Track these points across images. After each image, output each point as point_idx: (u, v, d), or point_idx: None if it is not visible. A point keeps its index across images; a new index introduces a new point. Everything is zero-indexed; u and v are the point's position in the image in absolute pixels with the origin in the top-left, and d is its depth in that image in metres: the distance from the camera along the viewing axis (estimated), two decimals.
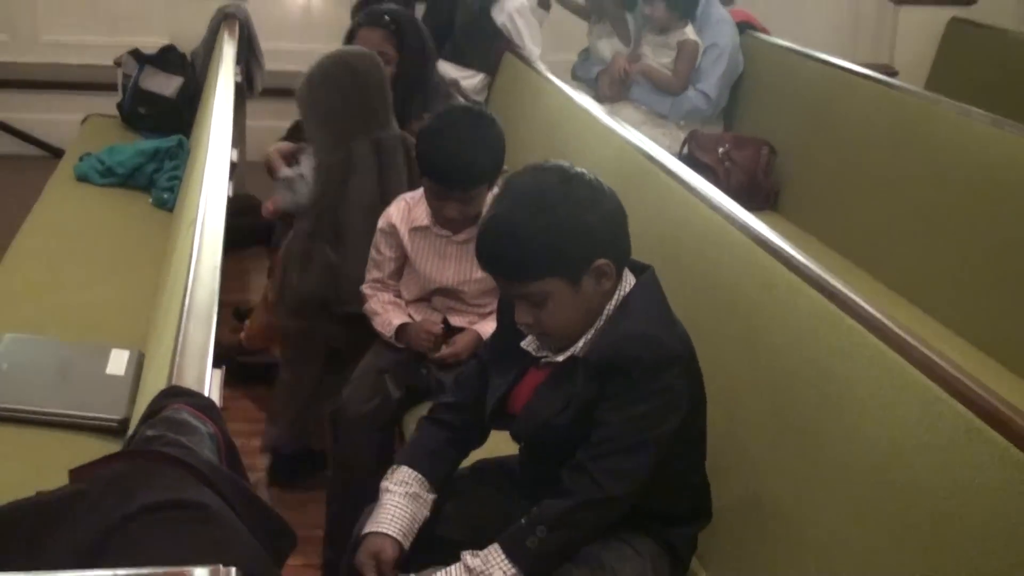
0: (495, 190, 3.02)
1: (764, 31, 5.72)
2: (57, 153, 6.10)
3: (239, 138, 4.34)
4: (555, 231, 2.00)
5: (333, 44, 6.36)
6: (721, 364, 2.51)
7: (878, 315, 2.15)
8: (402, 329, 3.03)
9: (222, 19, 5.51)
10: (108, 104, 5.79)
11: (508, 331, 2.20)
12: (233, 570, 1.09)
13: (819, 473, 2.14)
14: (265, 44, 5.81)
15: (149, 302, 3.38)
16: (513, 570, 2.01)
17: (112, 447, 2.54)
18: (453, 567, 2.05)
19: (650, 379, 2.01)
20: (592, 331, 2.10)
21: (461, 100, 4.53)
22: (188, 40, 5.77)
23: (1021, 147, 3.69)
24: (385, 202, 3.24)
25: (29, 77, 6.77)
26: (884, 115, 4.43)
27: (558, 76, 4.89)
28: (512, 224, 2.03)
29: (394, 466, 2.25)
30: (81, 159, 4.80)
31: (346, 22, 6.80)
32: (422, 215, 3.06)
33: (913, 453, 1.90)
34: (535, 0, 5.35)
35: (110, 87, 5.84)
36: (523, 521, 2.04)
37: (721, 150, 4.95)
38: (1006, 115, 4.09)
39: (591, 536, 2.09)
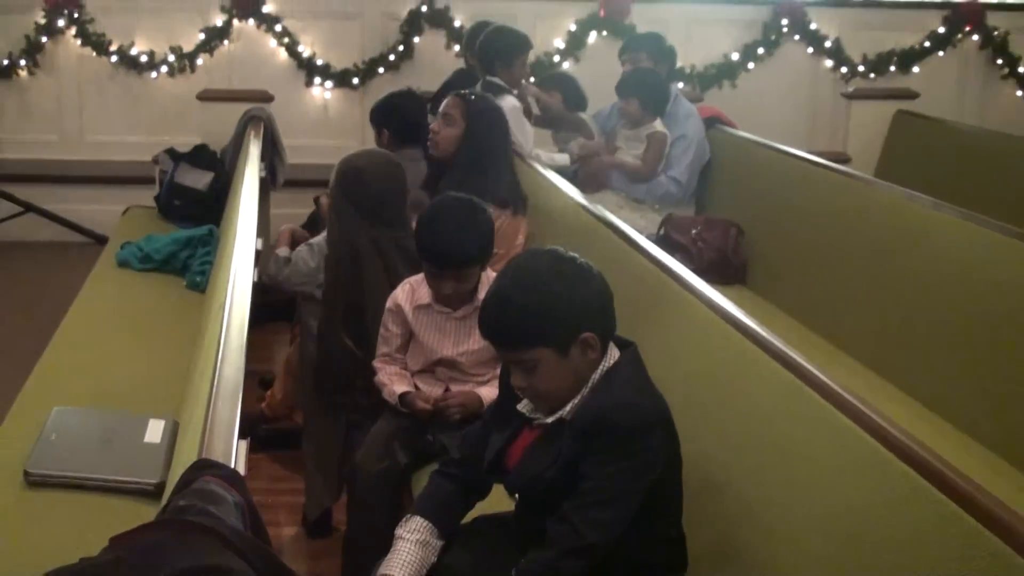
0: (487, 271, 3.06)
1: (731, 125, 5.76)
2: (101, 240, 6.13)
3: (263, 227, 4.37)
4: (546, 306, 2.06)
5: (347, 140, 6.48)
6: (694, 428, 2.51)
7: (832, 384, 2.17)
8: (404, 397, 3.05)
9: (248, 121, 5.57)
10: (146, 197, 5.82)
11: (508, 395, 2.24)
12: None
13: (783, 527, 2.14)
14: (287, 140, 5.88)
15: (183, 376, 3.38)
16: None
17: (149, 509, 2.53)
18: None
19: (629, 441, 2.05)
20: (579, 397, 2.14)
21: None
22: (218, 139, 5.82)
23: (959, 227, 3.72)
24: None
25: (76, 173, 6.86)
26: (838, 199, 4.45)
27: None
28: (509, 299, 2.09)
29: (407, 516, 2.29)
30: (122, 247, 4.81)
31: (359, 120, 6.95)
32: (424, 295, 3.09)
33: (865, 510, 1.91)
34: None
35: (148, 181, 5.89)
36: (513, 572, 2.06)
37: (694, 231, 4.97)
38: (945, 196, 4.13)
39: None
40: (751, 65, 7.38)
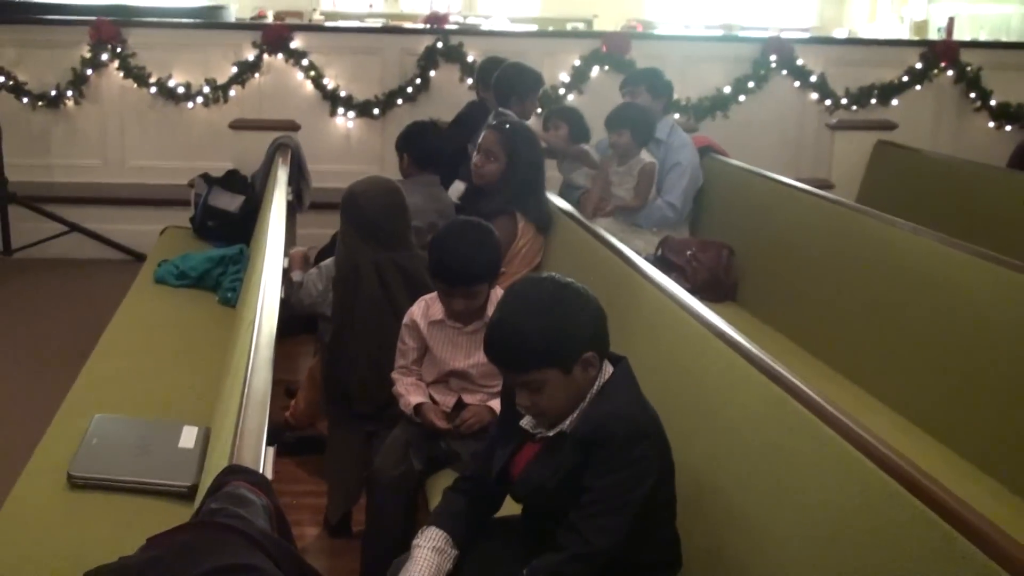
0: (497, 288, 3.07)
1: (723, 153, 5.77)
2: (140, 258, 6.15)
3: (290, 247, 4.38)
4: (550, 331, 2.07)
5: (368, 166, 6.50)
6: (687, 436, 2.52)
7: (816, 397, 2.17)
8: (418, 408, 3.05)
9: (277, 148, 5.58)
10: (182, 218, 5.85)
11: (510, 412, 2.24)
12: None
13: (769, 529, 2.14)
14: (312, 166, 5.89)
15: (215, 385, 3.39)
16: None
17: (183, 509, 2.54)
18: None
19: (625, 451, 2.05)
20: (577, 411, 2.14)
21: None
22: (249, 165, 5.84)
23: (936, 250, 3.72)
24: (396, 312, 3.29)
25: (118, 195, 6.88)
26: (823, 223, 4.46)
27: (553, 189, 4.95)
28: (514, 325, 2.09)
29: (423, 527, 2.29)
30: (159, 265, 4.83)
31: (379, 147, 6.96)
32: (438, 311, 3.10)
33: (845, 514, 1.91)
34: None
35: (184, 204, 5.91)
36: (524, 573, 2.06)
37: (689, 252, 4.97)
38: (922, 221, 4.13)
39: None
40: (742, 98, 7.38)
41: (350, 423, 3.44)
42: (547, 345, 2.07)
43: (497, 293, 3.07)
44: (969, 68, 7.46)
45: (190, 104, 7.02)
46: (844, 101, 7.40)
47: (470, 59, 7.02)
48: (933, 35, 10.61)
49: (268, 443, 2.00)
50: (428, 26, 7.42)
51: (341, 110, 7.11)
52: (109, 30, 6.88)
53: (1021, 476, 3.04)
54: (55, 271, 6.40)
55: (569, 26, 11.35)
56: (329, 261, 3.72)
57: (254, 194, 5.54)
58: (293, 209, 5.42)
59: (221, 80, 7.00)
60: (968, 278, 3.49)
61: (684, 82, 6.47)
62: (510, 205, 4.09)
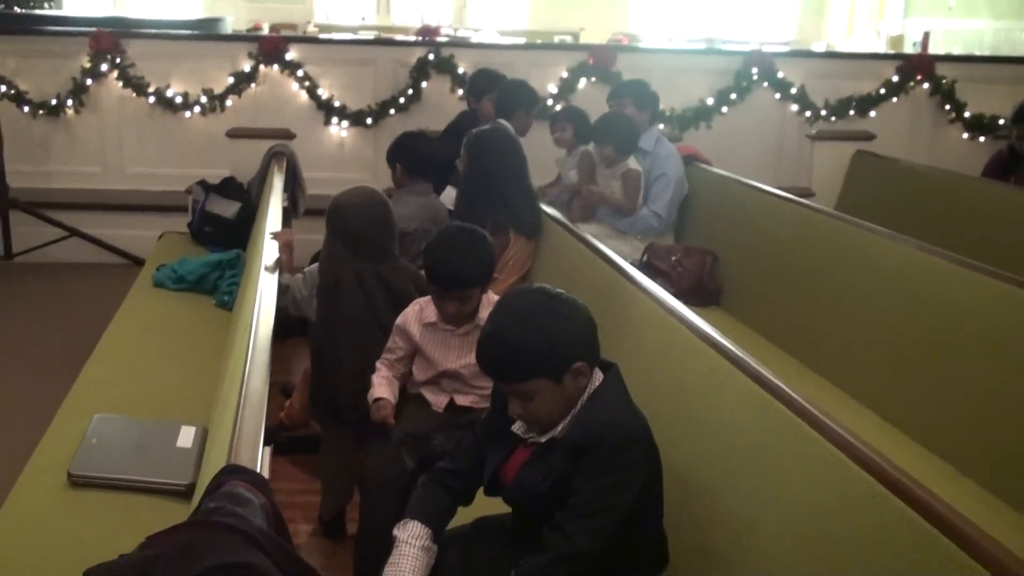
0: (489, 293, 3.06)
1: (707, 162, 5.76)
2: (138, 262, 6.13)
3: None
4: (542, 342, 2.05)
5: (361, 173, 6.50)
6: (673, 438, 2.51)
7: (798, 398, 2.17)
8: (376, 401, 3.04)
9: (272, 156, 5.56)
10: (180, 223, 5.83)
11: (501, 417, 2.23)
12: None
13: (754, 528, 2.14)
14: (307, 173, 5.88)
15: (212, 386, 3.38)
16: None
17: (181, 507, 2.53)
18: None
19: (614, 456, 2.04)
20: (568, 418, 2.13)
21: None
22: (245, 172, 5.81)
23: (912, 256, 3.72)
24: (377, 324, 3.27)
25: (116, 201, 6.86)
26: (803, 230, 4.46)
27: (543, 198, 4.95)
28: (507, 337, 2.07)
29: (406, 519, 2.25)
30: (157, 269, 4.81)
31: (372, 156, 6.95)
32: (432, 313, 3.09)
33: (827, 513, 1.90)
34: None
35: (182, 210, 5.90)
36: (512, 574, 2.05)
37: (674, 258, 4.96)
38: (899, 228, 4.13)
39: None
40: (724, 109, 7.40)
41: (339, 427, 3.41)
42: (538, 356, 2.06)
43: (489, 297, 3.06)
44: (944, 81, 7.50)
45: (188, 113, 7.01)
46: (823, 112, 7.42)
47: (461, 70, 7.03)
48: (909, 49, 10.67)
49: (264, 443, 1.98)
50: (420, 38, 7.41)
51: (335, 119, 7.10)
52: (108, 41, 6.86)
53: (998, 476, 3.05)
54: (55, 275, 6.37)
55: (557, 39, 11.36)
56: (314, 267, 3.68)
57: (250, 201, 5.52)
58: (288, 215, 5.40)
59: (218, 90, 6.99)
60: (944, 283, 3.49)
61: (668, 93, 6.48)
62: (475, 213, 4.03)
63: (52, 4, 9.64)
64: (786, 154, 7.46)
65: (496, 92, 5.41)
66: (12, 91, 6.84)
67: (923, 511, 1.69)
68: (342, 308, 3.35)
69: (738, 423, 2.30)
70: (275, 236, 3.76)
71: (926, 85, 7.51)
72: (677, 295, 3.47)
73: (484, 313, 3.01)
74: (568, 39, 11.54)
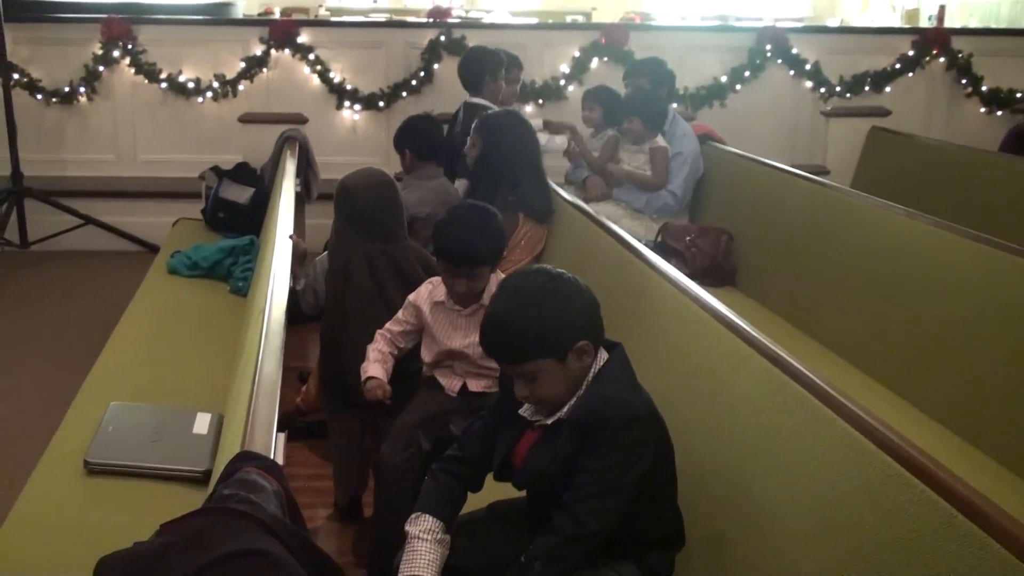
0: (498, 272, 3.05)
1: (721, 141, 5.74)
2: (153, 249, 6.15)
3: (299, 236, 4.36)
4: (544, 322, 2.04)
5: (374, 157, 6.48)
6: (688, 418, 2.51)
7: (814, 378, 2.15)
8: (367, 381, 3.03)
9: (285, 140, 5.56)
10: (194, 210, 5.83)
11: (508, 401, 2.22)
12: None
13: (770, 508, 2.13)
14: (319, 158, 5.87)
15: (227, 373, 3.37)
16: None
17: (197, 494, 2.53)
18: None
19: (620, 435, 2.03)
20: (575, 398, 2.12)
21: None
22: (258, 157, 5.82)
23: (928, 233, 3.70)
24: (387, 303, 3.26)
25: (130, 188, 6.88)
26: (818, 208, 4.44)
27: (554, 179, 4.93)
28: (509, 318, 2.07)
29: (417, 513, 2.23)
30: (172, 255, 4.81)
31: (384, 139, 6.94)
32: (441, 293, 3.09)
33: (844, 493, 1.89)
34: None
35: (195, 196, 5.90)
36: (522, 558, 2.05)
37: (688, 238, 4.95)
38: (916, 205, 4.11)
39: (581, 565, 2.08)
40: (738, 87, 7.35)
41: (347, 411, 3.41)
42: (541, 336, 2.05)
43: (499, 277, 3.05)
44: (960, 55, 7.43)
45: (200, 99, 7.01)
46: (838, 89, 7.37)
47: None
48: (924, 23, 10.56)
49: (279, 429, 1.98)
50: (431, 20, 7.38)
51: (347, 103, 7.09)
52: (120, 27, 6.86)
53: (1018, 454, 3.02)
54: (70, 263, 6.39)
55: (569, 19, 11.28)
56: (324, 255, 3.67)
57: (263, 186, 5.52)
58: (301, 200, 5.41)
59: (230, 75, 6.99)
60: (961, 260, 3.47)
61: (681, 72, 6.41)
62: (489, 194, 4.01)
63: None
64: (801, 132, 7.42)
65: (459, 72, 5.40)
66: (25, 79, 6.86)
67: (942, 491, 1.67)
68: (351, 291, 3.34)
69: (754, 403, 2.29)
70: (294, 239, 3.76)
71: (942, 59, 7.44)
72: (692, 275, 3.46)
73: (489, 295, 3.01)
74: (580, 19, 11.47)
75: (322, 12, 11.80)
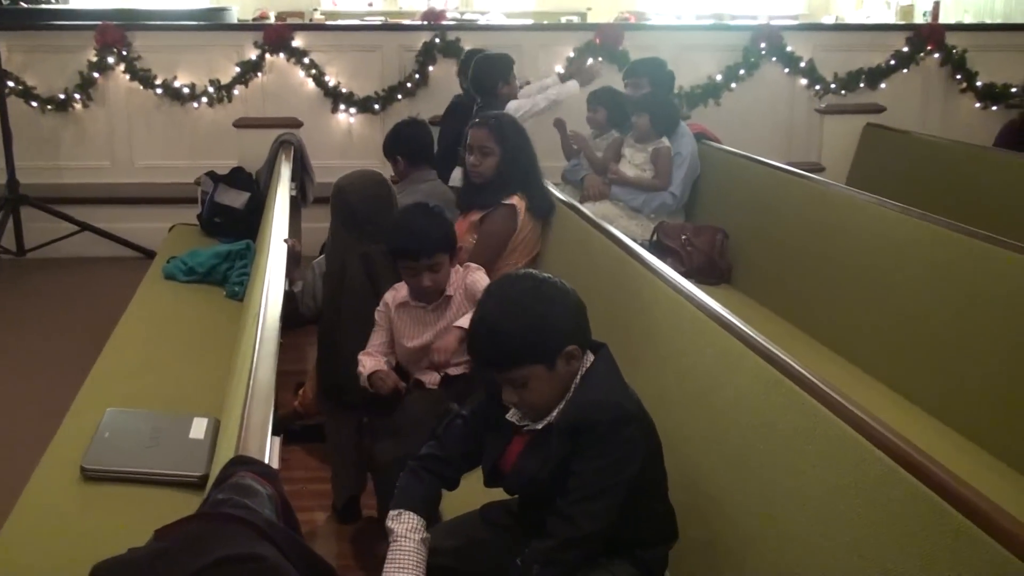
0: (457, 267, 3.10)
1: (716, 140, 5.74)
2: (149, 255, 6.14)
3: (296, 240, 4.36)
4: (532, 328, 2.03)
5: (369, 160, 6.48)
6: (683, 417, 2.51)
7: (809, 375, 2.15)
8: (371, 377, 3.06)
9: (280, 145, 5.57)
10: (189, 215, 5.83)
11: (494, 406, 2.21)
12: None
13: (765, 506, 2.12)
14: (315, 162, 5.88)
15: (224, 378, 3.36)
16: None
17: (194, 499, 2.52)
18: None
19: (610, 436, 2.03)
20: (563, 402, 2.11)
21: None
22: (253, 162, 5.82)
23: (924, 230, 3.69)
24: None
25: (126, 194, 6.89)
26: (814, 205, 4.43)
27: (551, 179, 4.93)
28: (497, 325, 2.05)
29: (399, 510, 2.19)
30: (168, 261, 4.81)
31: (380, 142, 6.91)
32: (403, 294, 3.16)
33: (839, 490, 1.88)
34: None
35: (191, 201, 5.90)
36: (518, 562, 2.05)
37: (684, 237, 4.95)
38: (911, 201, 4.10)
39: (577, 566, 2.07)
40: (733, 85, 7.36)
41: (343, 412, 3.42)
42: (530, 343, 2.04)
43: (457, 271, 3.10)
44: (955, 51, 7.44)
45: (195, 104, 7.02)
46: (833, 86, 7.38)
47: None
48: (919, 19, 10.57)
49: (274, 433, 1.98)
50: (425, 23, 7.39)
51: (342, 107, 7.10)
52: (114, 34, 6.87)
53: (1014, 448, 3.03)
54: (67, 270, 6.40)
55: (563, 19, 11.29)
56: (321, 258, 3.68)
57: (259, 190, 5.53)
58: (297, 204, 5.41)
59: (225, 80, 7.00)
60: (957, 256, 3.47)
61: (676, 71, 6.39)
62: (511, 191, 4.01)
63: None
64: (796, 129, 7.43)
65: (472, 72, 5.40)
66: (20, 87, 6.86)
67: (937, 488, 1.67)
68: (347, 292, 3.36)
69: (749, 402, 2.28)
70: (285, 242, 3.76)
71: (937, 55, 7.45)
72: (688, 274, 3.46)
73: (452, 288, 3.10)
74: (575, 19, 11.48)
75: (316, 16, 11.82)
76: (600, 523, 2.03)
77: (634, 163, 5.28)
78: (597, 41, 7.19)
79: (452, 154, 5.02)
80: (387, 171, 4.59)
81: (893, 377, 3.63)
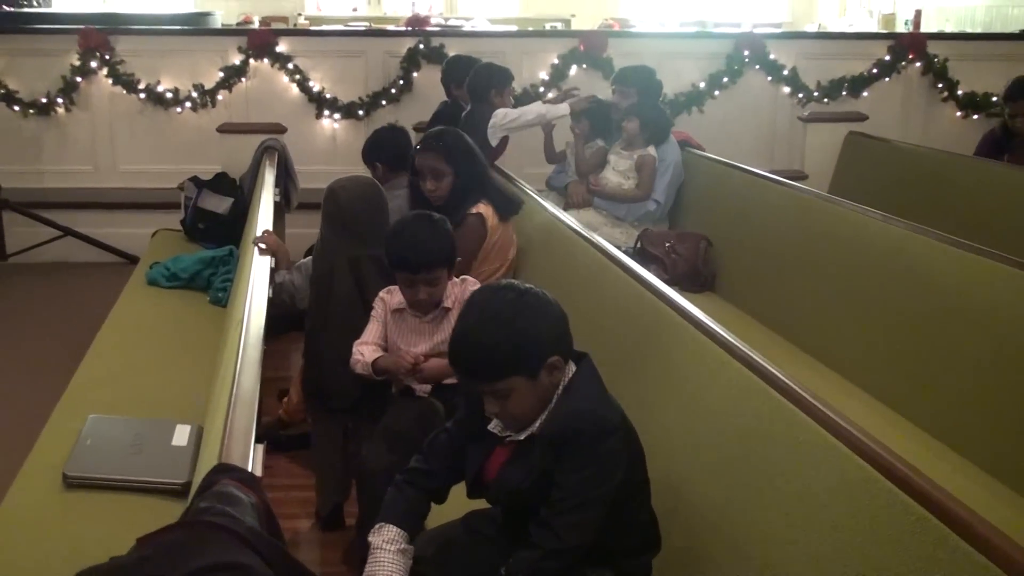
0: (454, 279, 3.05)
1: (699, 147, 5.76)
2: (132, 260, 6.13)
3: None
4: (514, 340, 2.02)
5: (354, 166, 6.46)
6: (665, 426, 2.52)
7: (792, 384, 2.16)
8: (377, 362, 3.00)
9: (264, 150, 5.56)
10: (173, 220, 5.82)
11: (476, 417, 2.20)
12: None
13: (747, 512, 2.13)
14: (299, 167, 5.87)
15: (207, 384, 3.35)
16: None
17: (177, 506, 2.51)
18: None
19: (593, 447, 2.03)
20: (546, 413, 2.11)
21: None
22: (237, 167, 5.81)
23: (905, 238, 3.72)
24: (368, 309, 3.22)
25: (109, 199, 6.86)
26: (796, 213, 4.45)
27: (535, 187, 4.95)
28: (479, 338, 2.04)
29: (380, 524, 2.20)
30: (151, 266, 4.80)
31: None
32: (398, 300, 3.09)
33: (820, 496, 1.90)
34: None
35: (175, 207, 5.88)
36: (503, 572, 2.05)
37: (667, 244, 4.96)
38: (893, 209, 4.13)
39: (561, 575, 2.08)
40: (716, 93, 7.38)
41: (330, 418, 3.41)
42: (512, 355, 2.03)
43: (455, 284, 3.06)
44: (936, 59, 7.48)
45: (178, 109, 7.00)
46: (816, 94, 7.41)
47: None
48: (901, 28, 10.63)
49: (257, 440, 1.97)
50: (410, 28, 7.39)
51: (327, 112, 7.09)
52: (97, 38, 6.84)
53: (995, 456, 3.04)
54: (49, 275, 6.37)
55: (548, 26, 11.32)
56: (308, 259, 3.67)
57: (243, 196, 5.51)
58: (281, 210, 5.40)
59: (208, 85, 6.98)
60: (938, 264, 3.49)
61: (660, 78, 6.44)
62: (472, 202, 3.96)
63: (41, 2, 9.60)
64: (779, 137, 7.46)
65: (470, 76, 5.41)
66: (2, 91, 6.83)
67: (918, 496, 1.68)
68: (335, 296, 3.35)
69: (730, 409, 2.29)
70: (261, 240, 3.72)
71: (918, 64, 7.50)
72: (671, 281, 3.47)
73: (450, 300, 3.03)
74: (559, 26, 11.50)
75: (301, 21, 11.80)
76: (584, 534, 2.04)
77: (618, 170, 5.30)
78: (581, 48, 7.20)
79: None
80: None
81: (874, 384, 3.65)
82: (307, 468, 3.84)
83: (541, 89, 7.10)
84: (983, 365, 3.16)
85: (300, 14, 12.48)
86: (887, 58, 7.46)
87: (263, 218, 3.93)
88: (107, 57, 6.87)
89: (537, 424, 2.11)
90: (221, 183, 5.70)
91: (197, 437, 2.90)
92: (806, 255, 4.26)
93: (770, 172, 5.24)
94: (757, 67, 7.40)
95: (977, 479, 3.01)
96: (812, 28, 12.21)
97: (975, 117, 7.53)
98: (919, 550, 1.63)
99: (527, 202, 4.36)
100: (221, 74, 6.97)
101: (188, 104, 6.97)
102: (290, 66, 7.01)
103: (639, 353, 2.84)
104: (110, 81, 6.92)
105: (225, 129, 6.26)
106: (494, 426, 2.19)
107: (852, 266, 3.93)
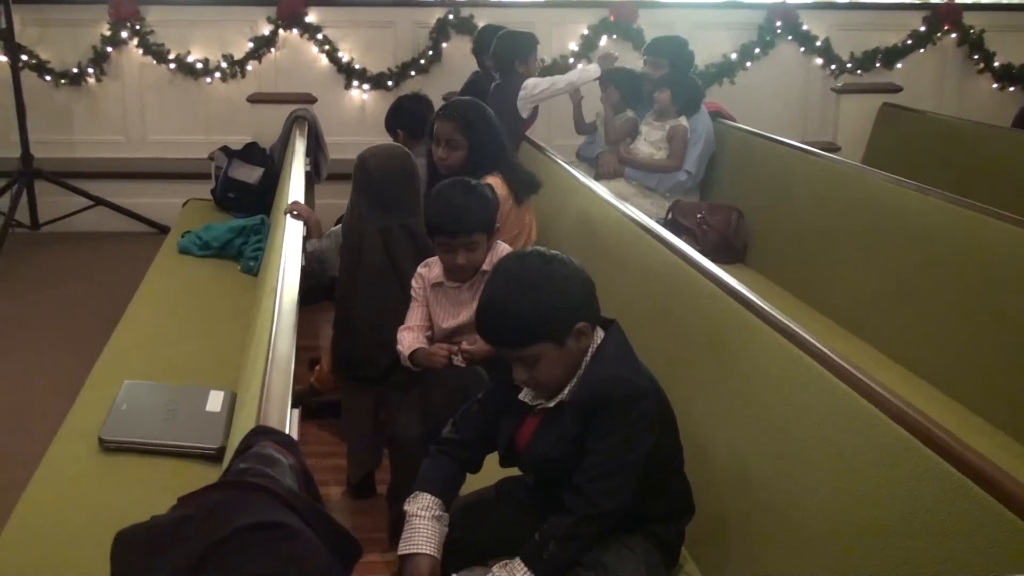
0: (496, 246, 3.03)
1: (731, 118, 5.72)
2: (163, 230, 6.15)
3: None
4: (541, 306, 2.02)
5: (383, 136, 6.45)
6: (700, 396, 2.51)
7: (825, 350, 2.15)
8: (414, 354, 3.01)
9: (294, 120, 5.56)
10: (203, 190, 5.83)
11: (504, 383, 2.21)
12: None
13: (782, 480, 2.13)
14: (328, 138, 5.86)
15: (239, 351, 3.39)
16: None
17: (211, 471, 2.55)
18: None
19: (624, 412, 2.03)
20: (575, 379, 2.11)
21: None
22: (267, 137, 5.81)
23: (939, 208, 3.69)
24: (399, 278, 3.23)
25: (140, 169, 6.88)
26: (829, 184, 4.42)
27: (565, 157, 4.92)
28: (505, 303, 2.05)
29: (416, 492, 2.23)
30: (183, 235, 4.82)
31: None
32: (437, 273, 3.07)
33: (861, 467, 1.89)
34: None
35: (205, 176, 5.89)
36: (537, 537, 2.06)
37: (699, 215, 4.94)
38: (927, 182, 4.09)
39: (593, 543, 2.09)
40: (748, 64, 7.33)
41: (360, 387, 3.41)
42: (539, 321, 2.03)
43: (498, 248, 3.04)
44: (972, 31, 7.38)
45: (208, 79, 7.01)
46: (849, 65, 7.34)
47: None
48: None
49: (292, 406, 1.98)
50: None
51: (356, 82, 7.09)
52: (128, 8, 6.85)
53: None
54: (81, 244, 6.41)
55: None
56: (338, 227, 3.66)
57: (273, 166, 5.52)
58: (311, 180, 5.40)
59: (238, 55, 6.98)
60: (975, 235, 3.46)
61: (691, 49, 6.39)
62: (482, 175, 3.90)
63: None
64: (811, 108, 7.39)
65: (493, 47, 5.34)
66: (34, 61, 6.86)
67: (955, 461, 1.67)
68: (364, 265, 3.34)
69: (767, 378, 2.29)
70: (292, 206, 3.71)
71: (954, 35, 7.40)
72: (703, 253, 3.44)
73: (489, 263, 2.98)
74: None
75: None
76: (618, 499, 2.04)
77: (650, 140, 5.27)
78: (611, 18, 7.15)
79: None
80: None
81: (907, 356, 3.63)
82: (337, 436, 3.85)
83: (571, 60, 7.06)
84: (1020, 336, 3.13)
85: None
86: (922, 29, 7.37)
87: (294, 188, 3.93)
88: (137, 27, 6.89)
89: (567, 391, 2.11)
90: (251, 153, 5.70)
91: (230, 403, 2.92)
92: (839, 227, 4.23)
93: (803, 144, 5.19)
94: (789, 38, 7.33)
95: (1010, 449, 2.99)
96: None
97: (1011, 89, 7.44)
98: (959, 516, 1.63)
99: (558, 171, 4.34)
100: (251, 44, 6.97)
101: (218, 74, 6.99)
102: (319, 36, 7.00)
103: (672, 322, 2.84)
104: (140, 51, 6.93)
105: (255, 99, 6.26)
106: (524, 395, 2.19)
107: (886, 238, 3.90)
